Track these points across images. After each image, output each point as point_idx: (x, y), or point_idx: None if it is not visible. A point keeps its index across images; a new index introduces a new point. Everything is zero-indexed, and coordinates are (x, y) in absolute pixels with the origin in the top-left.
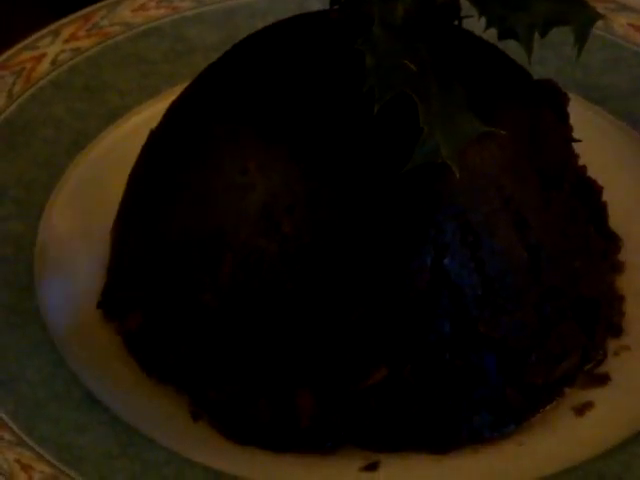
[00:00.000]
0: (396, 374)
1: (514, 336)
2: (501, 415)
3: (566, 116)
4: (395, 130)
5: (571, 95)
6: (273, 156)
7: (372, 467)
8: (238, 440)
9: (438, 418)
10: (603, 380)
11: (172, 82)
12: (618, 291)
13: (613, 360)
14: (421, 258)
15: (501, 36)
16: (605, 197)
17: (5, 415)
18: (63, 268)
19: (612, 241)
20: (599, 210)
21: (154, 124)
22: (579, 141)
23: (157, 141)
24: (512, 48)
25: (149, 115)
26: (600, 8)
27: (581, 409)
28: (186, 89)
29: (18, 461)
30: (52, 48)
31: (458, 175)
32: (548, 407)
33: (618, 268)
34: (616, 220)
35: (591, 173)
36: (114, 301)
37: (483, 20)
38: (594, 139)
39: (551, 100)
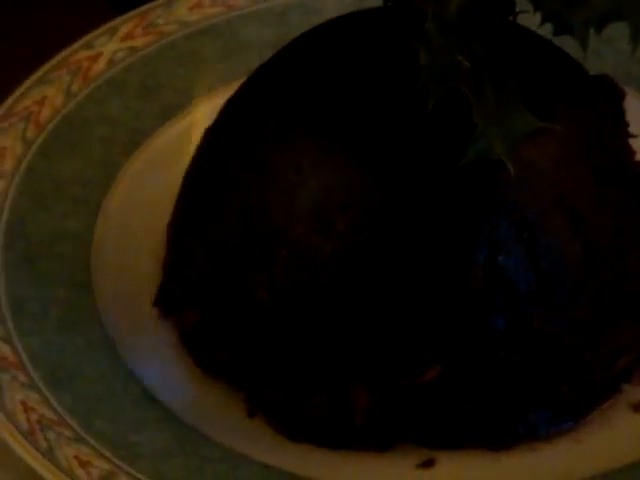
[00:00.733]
0: (451, 371)
1: (570, 333)
2: (558, 412)
3: (622, 112)
4: (449, 126)
5: (628, 90)
6: (327, 154)
7: (428, 464)
8: (293, 437)
9: (494, 415)
10: None
11: (227, 80)
12: None
13: None
14: (475, 255)
15: (557, 31)
16: None
17: (63, 411)
18: (120, 265)
19: None
20: None
21: (209, 122)
22: (635, 137)
23: (212, 139)
24: (568, 43)
25: (204, 113)
26: None
27: (638, 406)
28: (241, 87)
29: (77, 457)
30: (108, 47)
31: (513, 171)
32: (605, 404)
33: None
34: None
35: None
36: (170, 298)
37: (538, 15)
38: None
39: (607, 96)
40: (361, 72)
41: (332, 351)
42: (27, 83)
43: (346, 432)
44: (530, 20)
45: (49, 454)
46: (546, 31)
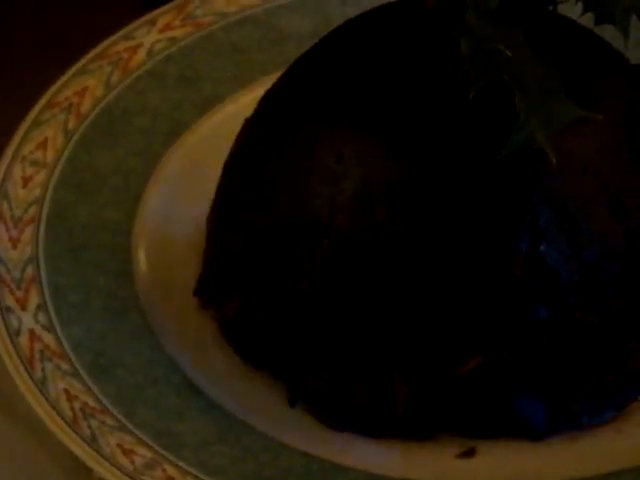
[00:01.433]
0: (492, 361)
1: (612, 322)
2: (600, 402)
3: None
4: (490, 116)
5: None
6: (368, 144)
7: (469, 453)
8: (335, 426)
9: (535, 405)
10: None
11: (266, 71)
12: None
13: None
14: (517, 244)
15: (598, 21)
16: None
17: (106, 400)
18: (160, 255)
19: None
20: None
21: (248, 113)
22: None
23: (251, 129)
24: (608, 33)
25: (243, 104)
26: None
27: None
28: (280, 78)
29: (120, 446)
30: (148, 38)
31: (554, 160)
32: None
33: None
34: None
35: None
36: (211, 288)
37: (579, 5)
38: None
39: None
40: (402, 62)
41: (373, 341)
42: (68, 75)
43: (387, 421)
44: (571, 10)
45: (93, 442)
46: (587, 20)
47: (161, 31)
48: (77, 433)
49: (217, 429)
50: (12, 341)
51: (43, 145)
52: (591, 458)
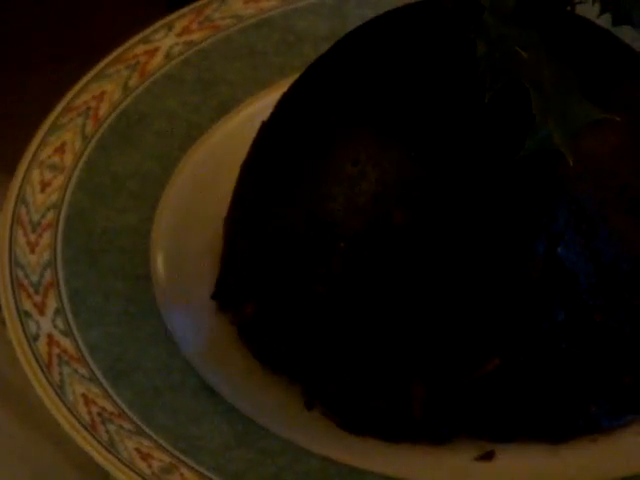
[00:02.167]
0: (510, 363)
1: (631, 324)
2: (619, 404)
3: None
4: (507, 118)
5: None
6: (384, 146)
7: (487, 457)
8: (352, 429)
9: (554, 407)
10: None
11: (283, 73)
12: None
13: None
14: (534, 246)
15: (615, 22)
16: None
17: (124, 404)
18: (178, 259)
19: None
20: None
21: (265, 116)
22: None
23: (269, 132)
24: (626, 34)
25: (260, 107)
26: None
27: None
28: (297, 80)
29: (138, 450)
30: (165, 41)
31: (572, 162)
32: None
33: None
34: None
35: None
36: (228, 291)
37: (597, 6)
38: None
39: None
40: (418, 64)
41: (390, 344)
42: (85, 78)
43: (405, 424)
44: (589, 10)
45: (111, 447)
46: (605, 21)
47: (179, 34)
48: (95, 437)
49: (235, 433)
50: (30, 345)
51: (61, 149)
52: (610, 461)
